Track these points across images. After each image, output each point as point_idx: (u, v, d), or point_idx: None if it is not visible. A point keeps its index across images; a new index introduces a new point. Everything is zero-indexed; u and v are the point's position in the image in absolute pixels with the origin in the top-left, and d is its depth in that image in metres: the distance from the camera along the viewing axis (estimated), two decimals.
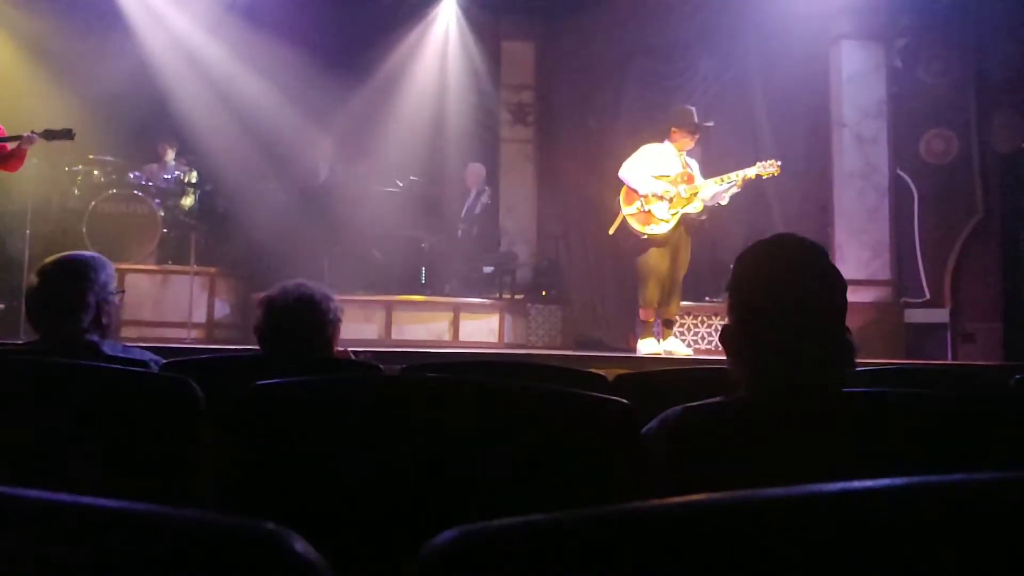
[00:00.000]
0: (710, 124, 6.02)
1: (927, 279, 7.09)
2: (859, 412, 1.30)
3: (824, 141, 7.48)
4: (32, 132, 5.47)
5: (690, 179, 5.86)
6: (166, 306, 7.26)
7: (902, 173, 7.27)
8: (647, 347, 5.95)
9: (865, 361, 4.09)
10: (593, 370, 2.59)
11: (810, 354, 1.36)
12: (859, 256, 7.20)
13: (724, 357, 1.50)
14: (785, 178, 6.08)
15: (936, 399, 1.40)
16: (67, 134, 5.56)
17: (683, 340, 6.86)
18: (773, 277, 1.42)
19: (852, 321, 1.45)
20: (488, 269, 8.49)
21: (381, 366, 2.53)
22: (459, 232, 8.53)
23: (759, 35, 7.67)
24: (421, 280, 8.13)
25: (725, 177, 5.78)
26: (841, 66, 7.38)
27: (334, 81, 8.22)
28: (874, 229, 7.27)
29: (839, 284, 1.43)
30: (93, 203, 7.32)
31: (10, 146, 5.47)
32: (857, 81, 7.34)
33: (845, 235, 7.29)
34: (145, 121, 8.34)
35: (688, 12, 8.14)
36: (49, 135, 5.51)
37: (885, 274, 7.24)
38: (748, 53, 7.88)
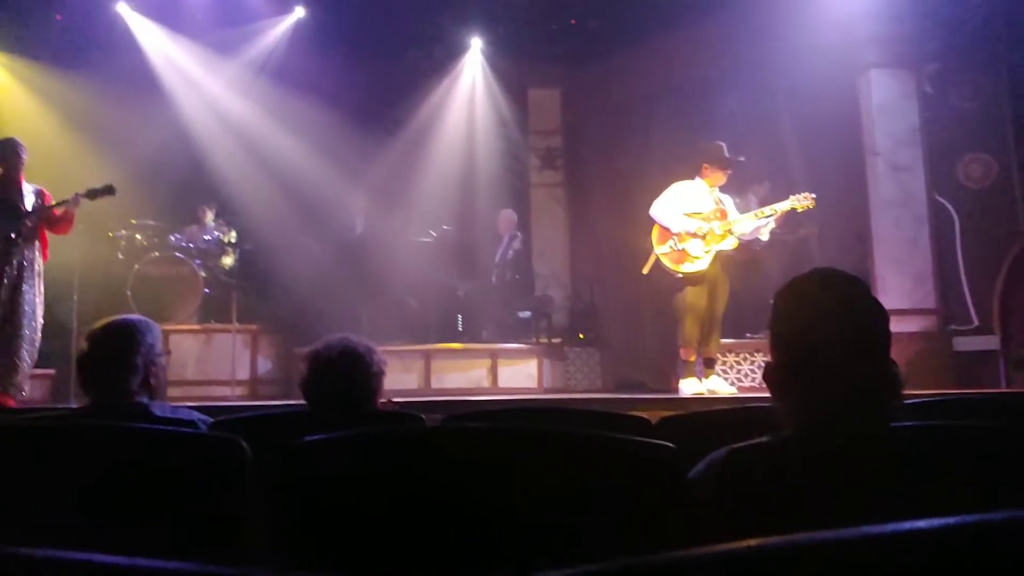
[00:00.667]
0: (741, 159, 6.00)
1: (974, 305, 6.95)
2: (907, 447, 1.27)
3: (858, 171, 7.42)
4: (76, 194, 5.62)
5: (723, 215, 5.83)
6: (210, 364, 7.37)
7: (941, 199, 7.18)
8: (689, 387, 5.87)
9: (914, 393, 4.02)
10: (635, 413, 2.58)
11: (855, 389, 1.34)
12: (901, 285, 7.09)
13: (769, 395, 1.48)
14: (820, 210, 6.02)
15: (986, 432, 1.37)
16: (109, 190, 5.69)
17: (726, 378, 6.78)
18: (814, 313, 1.41)
19: (898, 352, 1.43)
20: (524, 314, 8.49)
21: (423, 416, 2.55)
22: (493, 278, 8.58)
23: (785, 69, 7.67)
24: (458, 328, 8.15)
25: (759, 212, 5.75)
26: (871, 95, 7.35)
27: (365, 136, 8.40)
28: (915, 257, 7.17)
29: (881, 317, 1.41)
30: (137, 266, 7.49)
31: (59, 211, 5.61)
32: (888, 109, 7.30)
33: (885, 265, 7.19)
34: (184, 184, 8.56)
35: (712, 50, 8.20)
36: (92, 194, 5.65)
37: (929, 303, 7.10)
38: (775, 87, 7.90)
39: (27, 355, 5.46)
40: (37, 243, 5.60)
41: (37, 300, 5.55)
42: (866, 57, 7.39)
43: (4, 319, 5.41)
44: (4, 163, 5.56)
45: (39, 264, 5.62)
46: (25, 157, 5.65)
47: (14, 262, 5.44)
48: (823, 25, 7.17)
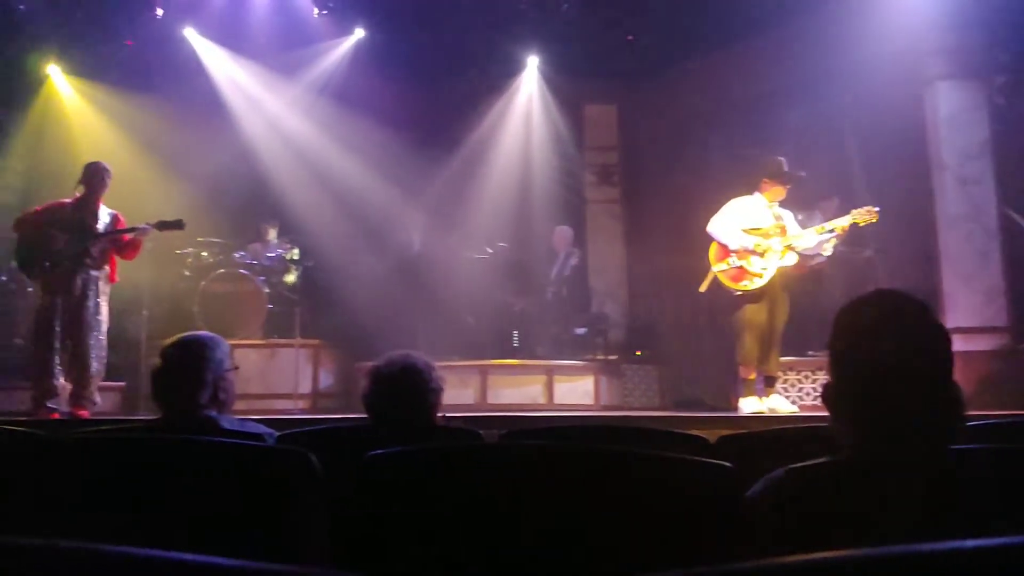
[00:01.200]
0: (802, 174, 5.91)
1: None
2: (967, 471, 1.26)
3: (924, 186, 7.25)
4: (147, 223, 5.76)
5: (783, 231, 5.75)
6: (273, 378, 7.52)
7: (1012, 213, 6.98)
8: (749, 406, 5.79)
9: (985, 413, 3.91)
10: (694, 431, 2.56)
11: (915, 412, 1.32)
12: (971, 302, 6.89)
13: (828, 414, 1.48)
14: (885, 225, 5.90)
15: None
16: (178, 224, 5.81)
17: (787, 396, 6.67)
18: (875, 335, 1.40)
19: (969, 371, 1.42)
20: (580, 330, 8.49)
21: (481, 432, 2.58)
22: (549, 295, 8.60)
23: (848, 82, 7.56)
24: (514, 344, 8.19)
25: (820, 227, 5.66)
26: (938, 108, 7.19)
27: (423, 155, 8.52)
28: (985, 273, 6.96)
29: (943, 339, 1.39)
30: (203, 283, 7.70)
31: (127, 237, 5.77)
32: (956, 122, 7.12)
33: (954, 281, 6.99)
34: (248, 203, 8.80)
35: (773, 63, 8.12)
36: (162, 226, 5.78)
37: (1002, 320, 6.87)
38: (837, 101, 7.77)
39: (95, 369, 5.63)
40: (106, 266, 5.76)
41: (101, 317, 5.69)
42: (933, 69, 7.23)
43: (70, 336, 5.58)
44: (86, 184, 5.74)
45: (105, 285, 5.77)
46: (108, 182, 5.81)
47: (79, 281, 5.59)
48: (888, 37, 7.04)
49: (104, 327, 5.71)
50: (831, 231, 5.59)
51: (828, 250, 5.74)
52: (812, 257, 5.86)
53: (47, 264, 5.59)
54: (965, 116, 7.12)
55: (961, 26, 7.02)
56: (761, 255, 5.68)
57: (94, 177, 5.75)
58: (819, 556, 0.55)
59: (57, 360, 5.56)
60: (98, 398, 5.71)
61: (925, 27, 7.08)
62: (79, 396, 5.55)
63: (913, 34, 7.09)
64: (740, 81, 8.48)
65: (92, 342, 5.59)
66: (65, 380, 5.62)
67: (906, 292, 1.47)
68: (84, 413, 5.52)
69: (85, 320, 5.57)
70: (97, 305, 5.66)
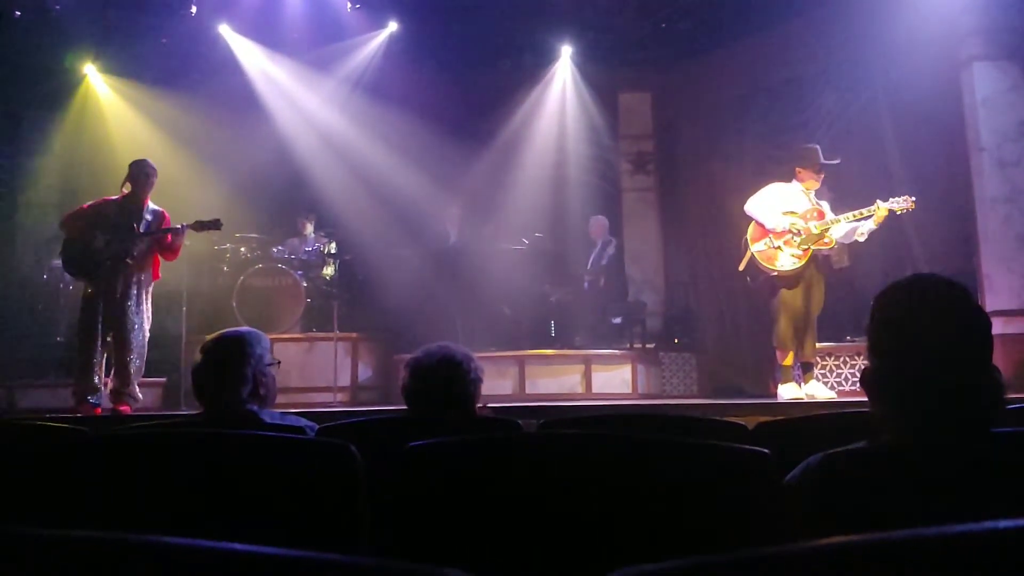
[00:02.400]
0: (836, 161, 5.86)
1: None
2: (1009, 454, 1.25)
3: (962, 168, 7.12)
4: (184, 224, 5.81)
5: (820, 215, 5.71)
6: (312, 372, 7.61)
7: None
8: (788, 392, 5.76)
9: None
10: (732, 419, 2.56)
11: (955, 396, 1.32)
12: (1011, 285, 6.76)
13: (867, 400, 1.47)
14: (923, 209, 5.82)
15: None
16: (216, 224, 5.85)
17: (825, 382, 6.63)
18: (914, 319, 1.39)
19: (1010, 354, 1.41)
20: (617, 319, 8.48)
21: (520, 421, 2.60)
22: (586, 284, 8.60)
23: (882, 65, 7.45)
24: (551, 334, 8.20)
25: (856, 213, 5.60)
26: (975, 89, 7.04)
27: (458, 147, 8.55)
28: None
29: (982, 322, 1.38)
30: (242, 278, 7.80)
31: (168, 237, 5.81)
32: (993, 103, 6.98)
33: (993, 264, 6.86)
34: (285, 198, 8.91)
35: (807, 48, 8.03)
36: (199, 226, 5.83)
37: None
38: (872, 84, 7.67)
39: (136, 366, 5.71)
40: (149, 265, 5.82)
41: (144, 316, 5.76)
42: (969, 50, 7.08)
43: (112, 334, 5.67)
44: (132, 182, 5.81)
45: (148, 282, 5.83)
46: (154, 180, 5.88)
47: (121, 280, 5.66)
48: (922, 19, 6.92)
49: (146, 325, 5.79)
50: (868, 216, 5.53)
51: (864, 236, 5.68)
52: (857, 244, 5.80)
53: (91, 263, 5.69)
54: (1003, 97, 6.97)
55: (997, 6, 6.87)
56: (799, 236, 5.65)
57: (140, 175, 5.81)
58: (857, 538, 0.56)
59: (98, 358, 5.65)
60: (139, 394, 5.79)
61: (960, 8, 6.96)
62: (120, 393, 5.63)
63: (948, 15, 6.97)
64: (774, 66, 8.38)
65: (133, 340, 5.66)
66: (107, 377, 5.73)
67: (945, 276, 1.46)
68: (126, 409, 5.61)
69: (127, 318, 5.65)
70: (139, 304, 5.73)
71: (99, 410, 5.60)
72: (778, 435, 2.17)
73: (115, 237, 5.70)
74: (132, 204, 5.80)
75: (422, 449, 1.33)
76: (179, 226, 5.80)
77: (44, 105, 9.17)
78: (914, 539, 0.55)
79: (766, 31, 8.23)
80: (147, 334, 5.82)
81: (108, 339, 5.69)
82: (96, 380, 5.64)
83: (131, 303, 5.68)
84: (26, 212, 8.85)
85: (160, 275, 5.96)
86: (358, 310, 8.24)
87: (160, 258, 5.90)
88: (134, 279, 5.72)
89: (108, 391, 5.72)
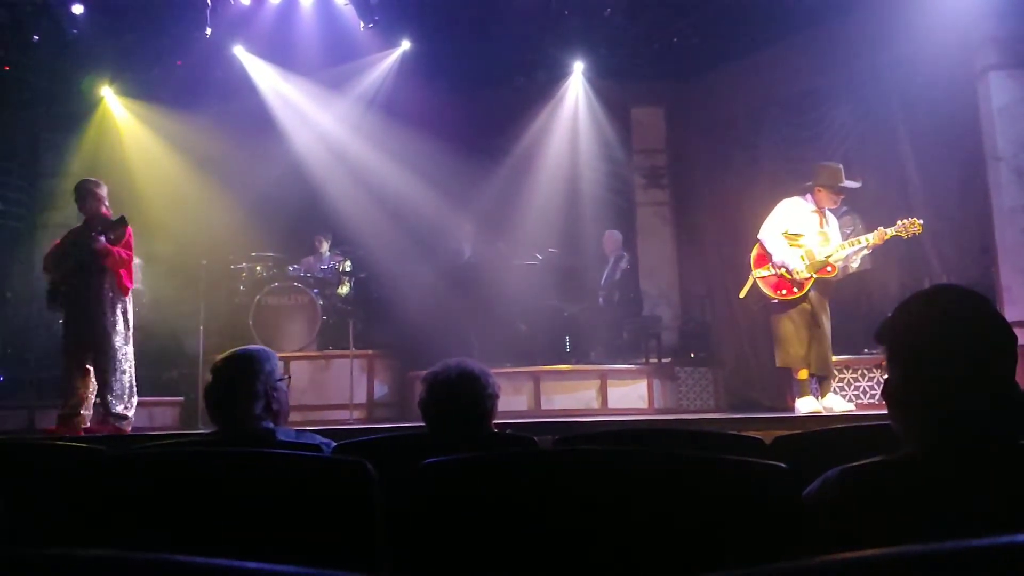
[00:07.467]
0: (857, 185, 5.86)
1: None
2: None
3: (979, 178, 7.07)
4: (98, 230, 5.67)
5: (826, 239, 5.74)
6: (328, 389, 7.63)
7: None
8: (806, 406, 5.72)
9: None
10: (750, 433, 2.54)
11: (977, 408, 1.30)
12: None
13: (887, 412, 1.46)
14: (939, 220, 5.80)
15: None
16: (121, 222, 5.69)
17: (843, 395, 6.57)
18: (936, 331, 1.37)
19: None
20: (625, 334, 8.45)
21: (535, 438, 2.59)
22: (600, 299, 8.58)
23: (897, 76, 7.43)
24: (566, 349, 8.18)
25: (854, 240, 5.65)
26: (991, 98, 7.00)
27: (472, 164, 8.59)
28: None
29: (1003, 333, 1.36)
30: (258, 297, 7.85)
31: (101, 246, 5.63)
32: (1010, 112, 6.93)
33: (1012, 275, 6.79)
34: (300, 217, 8.96)
35: (820, 60, 8.02)
36: (107, 227, 5.68)
37: None
38: (887, 95, 7.64)
39: (123, 383, 5.60)
40: (109, 275, 5.65)
41: (122, 331, 5.64)
42: (984, 59, 7.05)
43: (92, 354, 5.58)
44: (79, 203, 5.76)
45: (117, 297, 5.67)
46: (100, 191, 5.79)
47: (86, 297, 5.59)
48: (937, 29, 6.91)
49: (120, 340, 5.64)
50: (865, 245, 5.57)
51: (856, 262, 5.71)
52: (850, 270, 5.82)
53: (60, 290, 5.65)
54: (1019, 107, 6.92)
55: (1012, 15, 6.84)
56: (800, 275, 5.66)
57: (83, 193, 5.77)
58: (876, 552, 0.55)
59: (78, 378, 5.56)
60: (130, 413, 5.64)
61: (975, 17, 6.93)
62: (105, 412, 5.54)
63: (963, 25, 6.94)
64: (787, 79, 8.38)
65: (107, 357, 5.56)
66: (92, 397, 5.62)
67: (962, 287, 1.45)
68: (106, 429, 5.48)
69: (96, 336, 5.57)
70: (110, 319, 5.61)
71: (81, 431, 5.46)
72: (796, 449, 2.15)
73: (77, 252, 5.64)
74: (85, 224, 5.77)
75: (438, 466, 1.32)
76: (99, 236, 5.63)
77: (62, 128, 9.29)
78: (934, 554, 0.54)
79: (778, 44, 8.24)
80: (129, 349, 5.70)
81: (83, 360, 5.59)
82: (77, 401, 5.53)
83: (100, 321, 5.57)
84: (44, 233, 8.94)
85: (133, 283, 5.84)
86: (374, 327, 8.26)
87: (124, 269, 5.71)
88: (99, 296, 5.59)
89: (94, 410, 5.62)
